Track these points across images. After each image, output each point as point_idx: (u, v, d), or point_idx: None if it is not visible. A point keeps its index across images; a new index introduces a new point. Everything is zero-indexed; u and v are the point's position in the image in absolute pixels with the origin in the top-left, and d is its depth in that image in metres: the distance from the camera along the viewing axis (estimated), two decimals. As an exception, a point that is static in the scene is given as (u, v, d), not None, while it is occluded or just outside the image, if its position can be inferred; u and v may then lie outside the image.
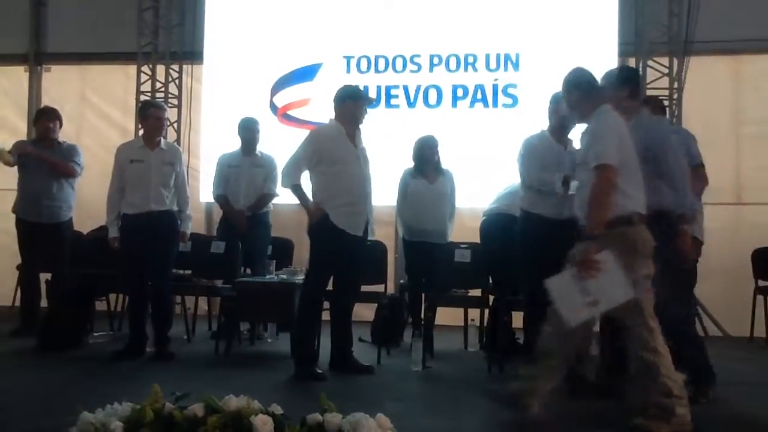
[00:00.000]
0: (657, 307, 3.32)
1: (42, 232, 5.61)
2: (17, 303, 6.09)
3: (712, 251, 6.62)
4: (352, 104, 4.50)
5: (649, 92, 6.80)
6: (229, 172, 5.77)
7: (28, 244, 5.70)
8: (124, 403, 2.55)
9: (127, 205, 4.83)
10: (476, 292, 5.19)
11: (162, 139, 4.99)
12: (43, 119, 5.78)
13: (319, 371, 4.33)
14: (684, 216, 3.73)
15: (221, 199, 5.80)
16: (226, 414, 2.47)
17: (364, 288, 5.21)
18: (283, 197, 5.90)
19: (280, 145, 6.39)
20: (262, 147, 5.94)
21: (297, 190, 4.46)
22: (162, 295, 4.93)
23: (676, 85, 6.79)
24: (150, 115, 4.92)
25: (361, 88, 6.52)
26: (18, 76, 8.16)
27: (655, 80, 6.84)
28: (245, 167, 5.75)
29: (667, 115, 6.71)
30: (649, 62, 6.86)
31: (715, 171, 6.76)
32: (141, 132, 4.99)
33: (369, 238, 4.64)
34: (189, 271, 5.56)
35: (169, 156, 4.93)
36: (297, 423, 2.49)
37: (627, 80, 3.84)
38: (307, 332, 4.45)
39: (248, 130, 5.77)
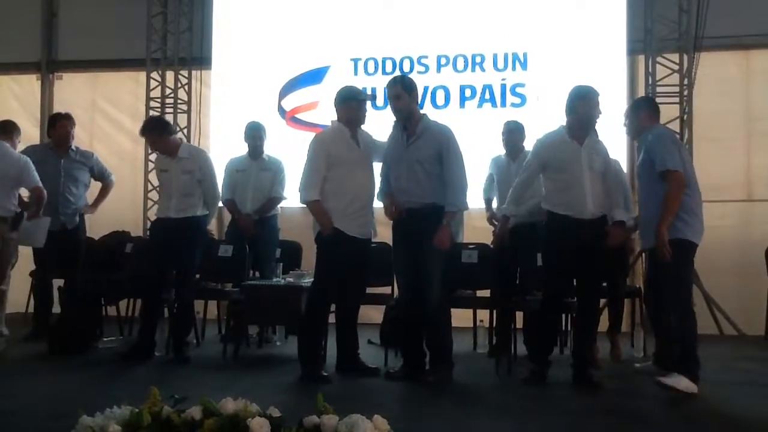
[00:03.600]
0: None
1: (58, 239, 5.61)
2: (31, 309, 6.14)
3: (724, 249, 6.59)
4: (354, 105, 4.47)
5: (659, 89, 6.76)
6: (237, 177, 5.79)
7: (43, 251, 5.70)
8: (123, 407, 2.56)
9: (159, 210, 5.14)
10: (485, 294, 5.17)
11: (183, 146, 5.11)
12: (63, 122, 5.72)
13: (325, 374, 4.33)
14: (449, 213, 4.26)
15: (229, 203, 5.82)
16: (223, 417, 2.47)
17: (372, 290, 5.22)
18: (291, 200, 5.93)
19: (288, 148, 6.44)
20: (270, 150, 5.96)
21: (317, 205, 4.35)
22: (182, 301, 4.99)
23: (686, 81, 6.71)
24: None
25: (369, 89, 6.63)
26: (30, 83, 8.27)
27: (665, 77, 6.76)
28: (252, 171, 5.77)
29: (679, 112, 6.69)
30: (659, 59, 6.78)
31: (726, 168, 6.76)
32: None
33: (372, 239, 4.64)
34: (197, 275, 5.56)
35: (189, 164, 5.00)
36: (295, 425, 2.49)
37: None
38: (314, 336, 4.46)
39: (253, 136, 5.80)
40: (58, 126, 5.73)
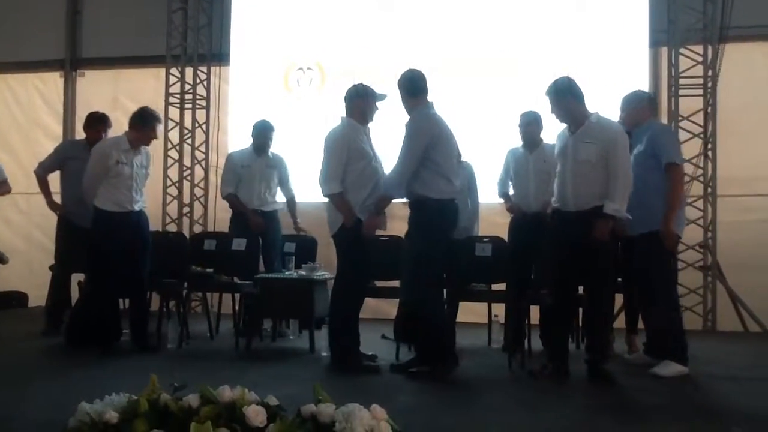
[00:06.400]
0: None
1: (85, 235, 5.63)
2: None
3: (748, 244, 6.43)
4: (365, 102, 4.50)
5: (682, 81, 6.60)
6: (242, 172, 5.79)
7: (71, 246, 5.70)
8: (121, 394, 2.55)
9: (111, 203, 4.97)
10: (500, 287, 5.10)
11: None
12: (98, 127, 5.74)
13: (373, 363, 4.44)
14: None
15: (232, 197, 5.81)
16: (220, 404, 2.46)
17: (386, 284, 5.19)
18: (305, 195, 5.94)
19: (305, 144, 6.43)
20: (284, 147, 6.03)
21: (340, 197, 4.38)
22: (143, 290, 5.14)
23: (710, 73, 6.56)
24: (154, 129, 5.10)
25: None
26: (54, 81, 8.39)
27: (689, 68, 6.59)
28: (259, 167, 5.78)
29: (703, 105, 6.53)
30: (682, 50, 6.62)
31: (752, 162, 6.58)
32: (131, 136, 5.06)
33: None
34: (211, 269, 5.57)
35: (146, 160, 5.17)
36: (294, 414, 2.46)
37: None
38: (355, 327, 4.51)
39: (265, 135, 5.80)
40: (92, 130, 5.74)
